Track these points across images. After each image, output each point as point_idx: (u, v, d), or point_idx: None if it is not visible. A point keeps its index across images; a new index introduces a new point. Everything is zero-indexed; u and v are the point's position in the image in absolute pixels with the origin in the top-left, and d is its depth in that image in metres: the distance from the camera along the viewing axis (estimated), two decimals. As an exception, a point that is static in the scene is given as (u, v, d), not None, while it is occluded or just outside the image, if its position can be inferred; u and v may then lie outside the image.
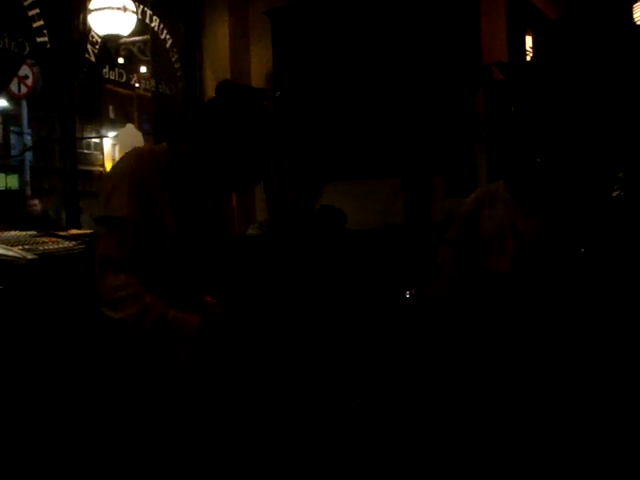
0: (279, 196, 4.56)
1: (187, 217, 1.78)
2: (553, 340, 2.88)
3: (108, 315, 1.62)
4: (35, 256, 2.87)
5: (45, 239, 3.27)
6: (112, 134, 12.33)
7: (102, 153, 12.56)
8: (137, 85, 5.34)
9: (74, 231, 3.65)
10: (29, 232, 3.53)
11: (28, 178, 10.72)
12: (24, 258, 2.84)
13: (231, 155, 1.77)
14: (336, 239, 3.71)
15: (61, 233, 3.49)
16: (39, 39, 4.19)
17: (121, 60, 5.11)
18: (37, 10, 4.15)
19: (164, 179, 1.74)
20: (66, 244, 3.18)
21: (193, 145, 1.80)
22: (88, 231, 3.59)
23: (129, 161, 1.74)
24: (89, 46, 4.65)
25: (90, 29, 4.60)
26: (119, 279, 1.62)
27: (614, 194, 4.31)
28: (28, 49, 4.13)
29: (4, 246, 3.01)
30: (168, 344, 1.62)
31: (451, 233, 3.36)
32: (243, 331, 1.70)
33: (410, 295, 3.80)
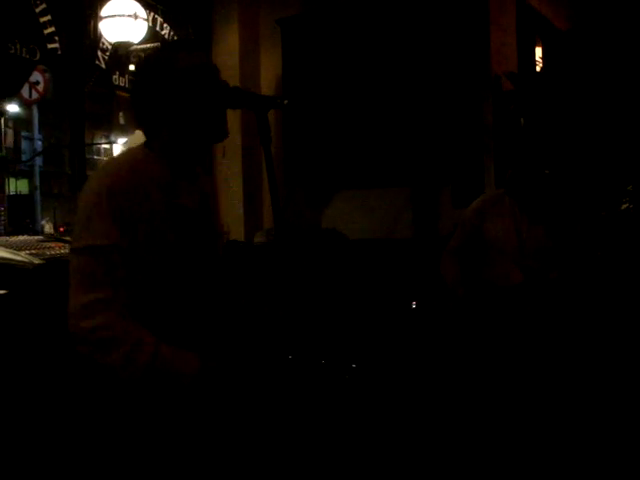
0: (286, 204, 4.56)
1: (182, 220, 1.59)
2: (562, 349, 2.85)
3: (91, 357, 1.45)
4: (42, 261, 2.88)
5: (52, 244, 3.28)
6: (122, 140, 12.40)
7: (111, 159, 12.61)
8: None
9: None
10: (36, 237, 3.55)
11: (38, 183, 10.78)
12: (31, 263, 2.85)
13: (190, 108, 1.56)
14: (337, 261, 3.70)
15: (68, 238, 3.50)
16: (50, 45, 4.22)
17: (131, 67, 5.14)
18: (49, 17, 4.18)
19: (149, 185, 1.55)
20: (73, 249, 3.18)
21: (164, 125, 1.60)
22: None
23: (105, 176, 1.52)
24: (99, 53, 4.68)
25: (101, 36, 4.64)
26: (95, 320, 1.43)
27: (623, 207, 4.30)
28: (39, 55, 4.16)
29: (11, 250, 3.02)
30: (160, 387, 1.47)
31: (453, 242, 3.30)
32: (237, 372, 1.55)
33: (416, 306, 3.78)
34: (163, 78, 1.56)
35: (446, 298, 3.22)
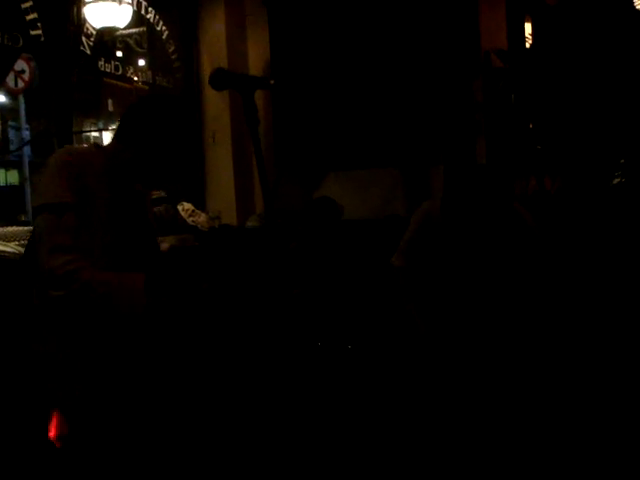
0: (275, 187, 4.54)
1: (119, 209, 1.91)
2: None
3: (55, 295, 1.74)
4: (31, 251, 2.86)
5: (42, 234, 3.25)
6: (112, 127, 12.28)
7: (101, 147, 12.50)
8: (135, 78, 5.31)
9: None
10: (26, 227, 3.52)
11: (27, 174, 10.66)
12: (20, 253, 2.82)
13: (150, 152, 1.95)
14: (332, 231, 3.66)
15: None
16: (33, 32, 4.14)
17: (118, 53, 5.07)
18: (30, 2, 4.10)
19: (96, 174, 1.87)
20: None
21: (121, 141, 1.98)
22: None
23: (63, 153, 1.88)
24: (84, 39, 4.61)
25: (85, 21, 4.56)
26: (62, 258, 1.73)
27: (615, 181, 4.28)
28: (22, 42, 4.09)
29: (0, 242, 2.99)
30: (120, 303, 1.75)
31: (397, 260, 3.02)
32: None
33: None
34: (148, 120, 1.95)
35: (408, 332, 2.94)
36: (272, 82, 1.68)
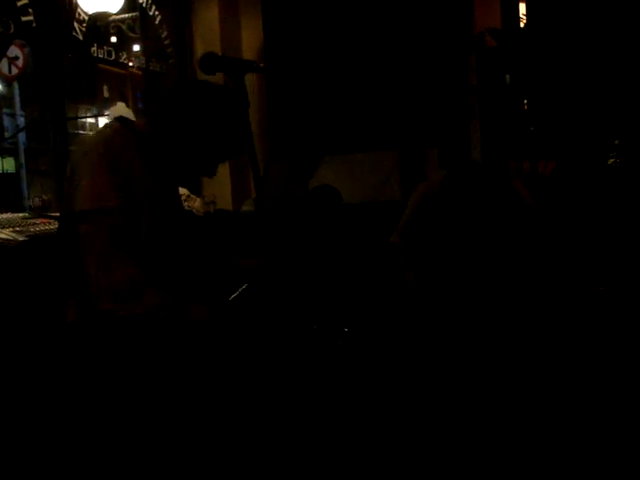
0: (267, 172, 4.53)
1: (160, 200, 1.78)
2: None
3: (109, 308, 1.56)
4: (26, 238, 2.87)
5: (37, 220, 3.26)
6: (107, 113, 12.23)
7: (97, 133, 12.45)
8: (130, 64, 5.29)
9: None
10: (21, 214, 3.52)
11: (23, 160, 10.62)
12: (15, 240, 2.83)
13: (187, 139, 1.79)
14: (332, 219, 3.67)
15: (53, 214, 3.47)
16: (24, 18, 4.11)
17: (111, 38, 5.04)
18: (21, -12, 4.08)
19: (133, 161, 1.71)
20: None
21: (156, 124, 1.82)
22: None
23: (95, 145, 1.67)
24: (76, 24, 4.58)
25: (77, 6, 4.53)
26: (121, 272, 1.57)
27: (610, 162, 4.28)
28: (13, 29, 4.06)
29: (-4, 228, 2.99)
30: (177, 330, 1.62)
31: (396, 236, 3.12)
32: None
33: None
34: (190, 105, 1.81)
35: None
36: (261, 65, 1.68)
